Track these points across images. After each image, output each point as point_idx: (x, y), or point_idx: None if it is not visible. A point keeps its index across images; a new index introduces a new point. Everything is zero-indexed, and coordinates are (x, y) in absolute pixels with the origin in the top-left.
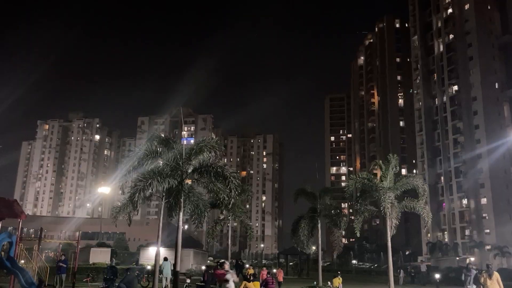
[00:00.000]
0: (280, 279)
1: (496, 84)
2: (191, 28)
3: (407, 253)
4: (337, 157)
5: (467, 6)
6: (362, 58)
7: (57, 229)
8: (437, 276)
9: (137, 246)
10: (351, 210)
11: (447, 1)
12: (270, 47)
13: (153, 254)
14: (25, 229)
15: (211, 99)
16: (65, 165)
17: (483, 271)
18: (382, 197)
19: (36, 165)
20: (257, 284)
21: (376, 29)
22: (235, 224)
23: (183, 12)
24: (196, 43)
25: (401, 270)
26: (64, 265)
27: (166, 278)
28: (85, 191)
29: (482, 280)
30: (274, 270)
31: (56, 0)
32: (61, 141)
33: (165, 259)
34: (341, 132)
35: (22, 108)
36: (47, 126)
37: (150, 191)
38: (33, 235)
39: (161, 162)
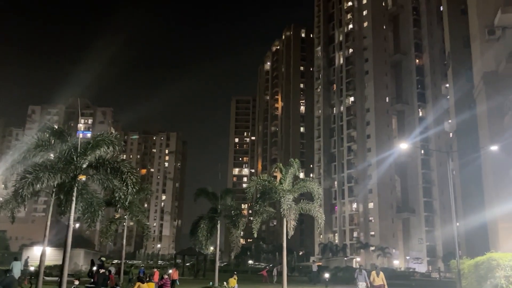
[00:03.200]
0: (176, 277)
1: (387, 98)
2: (89, 14)
3: (300, 253)
4: (240, 159)
5: (365, 24)
6: (269, 63)
7: None
8: (327, 275)
9: (20, 245)
10: (250, 211)
11: (348, 17)
12: (179, 42)
13: (38, 254)
14: None
15: (112, 93)
16: None
17: (373, 271)
18: (282, 199)
19: None
20: (152, 285)
21: (283, 36)
22: (131, 223)
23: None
24: (98, 27)
25: (275, 269)
26: None
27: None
28: None
29: (371, 278)
30: (170, 271)
31: None
32: None
33: (15, 258)
34: (245, 134)
35: None
36: None
37: (39, 185)
38: None
39: (53, 156)
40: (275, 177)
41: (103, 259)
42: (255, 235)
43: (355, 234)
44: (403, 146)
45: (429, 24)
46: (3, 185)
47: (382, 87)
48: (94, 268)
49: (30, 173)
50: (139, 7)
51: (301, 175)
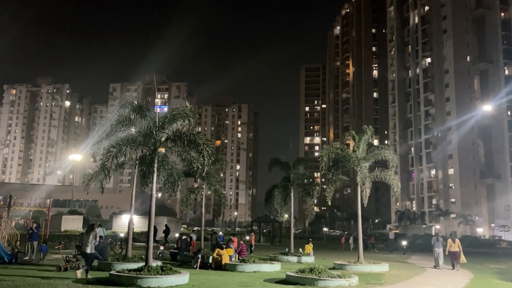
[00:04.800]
0: (252, 242)
1: (468, 57)
2: None
3: (376, 221)
4: (312, 127)
5: None
6: (338, 28)
7: (27, 196)
8: (404, 243)
9: (110, 214)
10: (323, 180)
11: None
12: (246, 16)
13: (126, 221)
14: None
15: (186, 68)
16: (34, 131)
17: (448, 238)
18: (356, 168)
19: (3, 131)
20: (231, 251)
21: None
22: (209, 192)
23: None
24: (171, 9)
25: (351, 236)
26: (36, 232)
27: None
28: (56, 158)
29: (448, 244)
30: (247, 237)
31: None
32: (29, 107)
33: (99, 225)
34: (315, 103)
35: None
36: (14, 91)
37: (123, 158)
38: (1, 202)
39: (134, 130)
40: (348, 145)
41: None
42: (329, 203)
43: (434, 202)
44: (487, 107)
45: None
46: (92, 159)
47: (463, 45)
48: (177, 235)
49: (114, 147)
50: None
51: (375, 142)
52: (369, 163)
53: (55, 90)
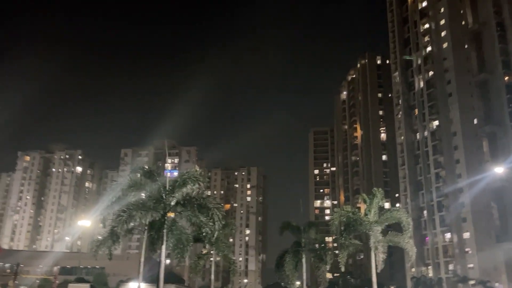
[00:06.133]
0: None
1: (475, 120)
2: (175, 61)
3: None
4: (321, 190)
5: (445, 45)
6: (345, 93)
7: (34, 264)
8: None
9: (117, 282)
10: (335, 244)
11: (426, 40)
12: (255, 81)
13: None
14: (0, 264)
15: (195, 132)
16: (45, 197)
17: None
18: (369, 231)
19: (14, 197)
20: None
21: (358, 65)
22: (218, 258)
23: (167, 44)
24: (180, 76)
25: None
26: None
27: None
28: (65, 224)
29: None
30: None
31: (38, 30)
32: (41, 173)
33: None
34: (325, 166)
35: (2, 139)
36: (28, 158)
37: (132, 223)
38: (8, 270)
39: (144, 195)
40: (359, 208)
41: None
42: (343, 269)
43: (450, 267)
44: (498, 170)
45: None
46: (101, 224)
47: (468, 108)
48: None
49: (124, 211)
50: (222, 56)
51: (386, 205)
52: (381, 227)
53: (67, 156)
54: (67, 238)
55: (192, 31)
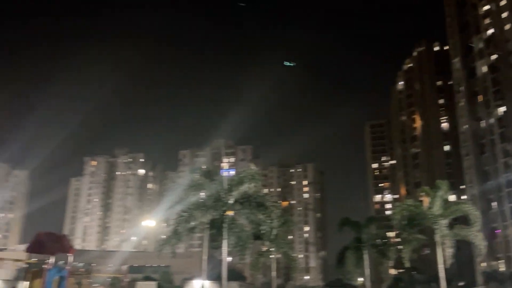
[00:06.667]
0: None
1: None
2: (229, 62)
3: (460, 284)
4: (381, 185)
5: (507, 27)
6: (401, 83)
7: (104, 263)
8: None
9: (182, 279)
10: (398, 239)
11: (486, 22)
12: (307, 77)
13: (197, 287)
14: (73, 263)
15: (250, 130)
16: (111, 199)
17: None
18: (435, 225)
19: (83, 200)
20: None
21: (415, 53)
22: (278, 255)
23: (221, 48)
24: (235, 77)
25: None
26: None
27: None
28: (131, 224)
29: None
30: None
31: (103, 40)
32: (107, 177)
33: None
34: (383, 159)
35: (71, 145)
36: (94, 162)
37: (193, 222)
38: (81, 269)
39: (203, 194)
40: (421, 201)
41: None
42: (408, 265)
43: None
44: None
45: None
46: (165, 224)
47: None
48: None
49: (185, 211)
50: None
51: (451, 198)
52: (447, 220)
53: (130, 159)
54: (133, 238)
55: (247, 30)
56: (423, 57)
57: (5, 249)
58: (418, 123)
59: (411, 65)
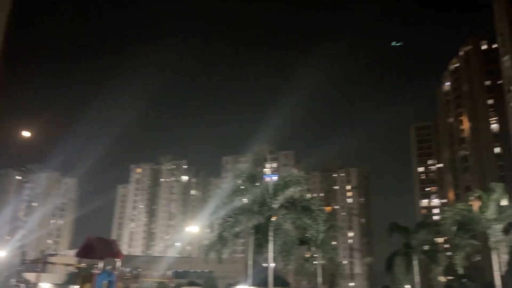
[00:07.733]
0: None
1: None
2: (270, 67)
3: None
4: (428, 189)
5: None
6: (447, 84)
7: (150, 268)
8: None
9: (226, 285)
10: (446, 245)
11: None
12: (350, 81)
13: None
14: (120, 268)
15: (292, 135)
16: (156, 206)
17: None
18: (488, 230)
19: (130, 206)
20: None
21: (462, 52)
22: (323, 261)
23: (261, 53)
24: (275, 83)
25: None
26: None
27: None
28: (175, 230)
29: None
30: None
31: (147, 47)
32: (152, 183)
33: None
34: (430, 163)
35: (117, 153)
36: (139, 170)
37: (238, 228)
38: (128, 274)
39: (247, 200)
40: (471, 206)
41: None
42: (462, 271)
43: None
44: None
45: None
46: (208, 229)
47: None
48: None
49: (230, 216)
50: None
51: (505, 202)
52: (502, 225)
53: (174, 166)
54: (177, 243)
55: (290, 33)
56: (471, 56)
57: (56, 254)
58: (466, 125)
59: (458, 65)
